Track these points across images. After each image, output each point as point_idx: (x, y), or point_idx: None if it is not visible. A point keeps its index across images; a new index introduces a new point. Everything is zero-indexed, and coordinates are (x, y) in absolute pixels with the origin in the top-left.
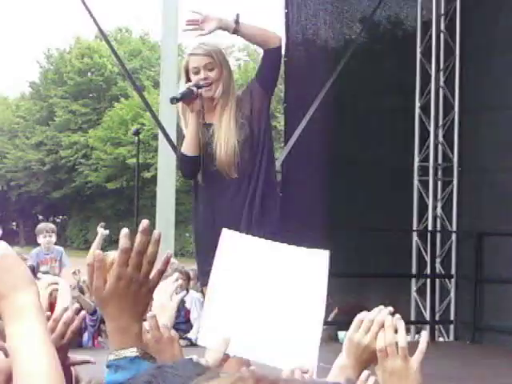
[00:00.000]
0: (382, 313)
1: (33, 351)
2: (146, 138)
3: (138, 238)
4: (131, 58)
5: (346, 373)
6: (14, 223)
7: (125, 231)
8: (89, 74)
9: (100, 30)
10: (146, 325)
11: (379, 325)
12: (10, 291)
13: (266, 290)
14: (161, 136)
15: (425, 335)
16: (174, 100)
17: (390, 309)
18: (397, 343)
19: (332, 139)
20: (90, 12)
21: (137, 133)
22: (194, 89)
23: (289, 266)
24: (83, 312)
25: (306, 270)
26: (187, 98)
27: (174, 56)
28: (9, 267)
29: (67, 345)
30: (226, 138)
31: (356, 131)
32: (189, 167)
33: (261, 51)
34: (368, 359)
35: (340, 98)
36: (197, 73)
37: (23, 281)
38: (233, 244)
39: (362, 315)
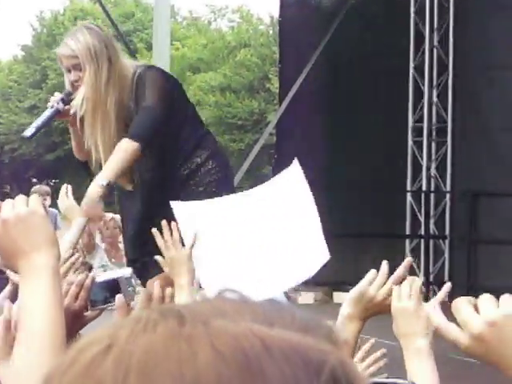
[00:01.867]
0: (398, 270)
1: (40, 310)
2: None
3: None
4: (125, 20)
5: (352, 322)
6: (7, 186)
7: None
8: None
9: None
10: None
11: (396, 280)
12: (31, 249)
13: (255, 228)
14: None
15: (447, 287)
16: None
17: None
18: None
19: (326, 100)
20: None
21: None
22: (60, 106)
23: (268, 195)
24: (91, 274)
25: (286, 188)
26: (45, 127)
27: (166, 18)
28: (34, 225)
29: (80, 310)
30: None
31: (350, 93)
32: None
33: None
34: (376, 311)
35: (334, 60)
36: (70, 72)
37: (46, 241)
38: (190, 211)
39: (374, 271)
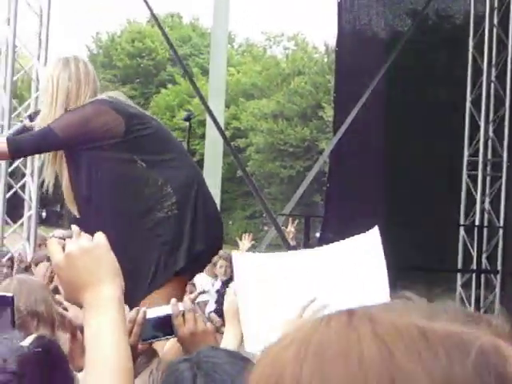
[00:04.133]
0: None
1: (109, 342)
2: (191, 124)
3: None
4: (181, 44)
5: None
6: (58, 205)
7: None
8: (138, 58)
9: (152, 14)
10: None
11: None
12: (97, 282)
13: (316, 287)
14: (209, 123)
15: None
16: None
17: None
18: None
19: (381, 131)
20: None
21: (188, 119)
22: (26, 122)
23: (337, 257)
24: (143, 309)
25: (359, 253)
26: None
27: (223, 43)
28: (99, 258)
29: (134, 346)
30: None
31: (406, 124)
32: None
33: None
34: None
35: (390, 90)
36: None
37: (110, 273)
38: (249, 263)
39: None
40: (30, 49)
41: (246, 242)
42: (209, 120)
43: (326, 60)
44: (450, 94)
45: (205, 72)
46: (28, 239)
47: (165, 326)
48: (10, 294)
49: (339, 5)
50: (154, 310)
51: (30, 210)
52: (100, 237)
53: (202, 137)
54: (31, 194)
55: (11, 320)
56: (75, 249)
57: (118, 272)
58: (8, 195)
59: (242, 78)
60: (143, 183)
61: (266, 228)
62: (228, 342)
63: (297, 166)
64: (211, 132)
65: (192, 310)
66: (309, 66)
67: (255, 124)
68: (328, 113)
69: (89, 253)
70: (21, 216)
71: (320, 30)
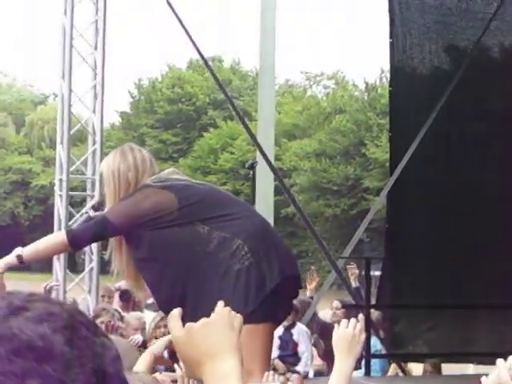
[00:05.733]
0: None
1: None
2: (235, 167)
3: None
4: None
5: None
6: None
7: None
8: (179, 103)
9: (200, 55)
10: None
11: None
12: (217, 356)
13: None
14: (259, 161)
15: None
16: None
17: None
18: None
19: (439, 168)
20: (190, 37)
21: (251, 167)
22: (91, 213)
23: None
24: None
25: None
26: None
27: (270, 84)
28: (219, 332)
29: None
30: None
31: (464, 160)
32: None
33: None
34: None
35: (446, 127)
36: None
37: (231, 347)
38: None
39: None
40: (86, 102)
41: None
42: (260, 157)
43: (366, 97)
44: (508, 128)
45: (245, 114)
46: (89, 292)
47: None
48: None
49: (391, 45)
50: None
51: (92, 263)
52: (220, 309)
53: (245, 178)
54: (92, 248)
55: None
56: (195, 324)
57: (238, 346)
58: None
59: (283, 119)
60: (212, 244)
61: (312, 267)
62: (334, 375)
63: (341, 205)
64: (262, 172)
65: None
66: (349, 103)
67: (298, 164)
68: (371, 150)
69: (209, 327)
70: (82, 269)
71: (359, 67)
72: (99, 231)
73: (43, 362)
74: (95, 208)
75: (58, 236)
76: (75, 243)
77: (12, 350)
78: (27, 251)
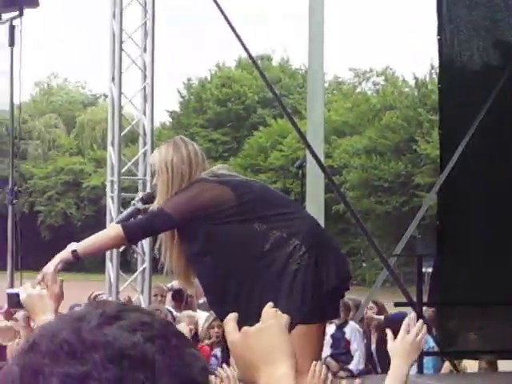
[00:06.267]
0: None
1: None
2: (285, 165)
3: None
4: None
5: None
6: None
7: None
8: (228, 103)
9: (248, 54)
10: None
11: None
12: (271, 361)
13: None
14: (308, 161)
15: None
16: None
17: None
18: None
19: (490, 165)
20: (238, 37)
21: (300, 166)
22: (139, 205)
23: None
24: None
25: None
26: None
27: (319, 82)
28: (274, 337)
29: None
30: None
31: None
32: None
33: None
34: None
35: (498, 123)
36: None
37: (285, 352)
38: None
39: None
40: (136, 103)
41: None
42: (308, 158)
43: (416, 93)
44: None
45: (294, 113)
46: (142, 292)
47: None
48: None
49: (439, 42)
50: None
51: (144, 264)
52: (273, 314)
53: (295, 176)
54: (144, 248)
55: None
56: (251, 328)
57: (292, 352)
58: (121, 249)
59: (332, 116)
60: (268, 243)
61: (364, 265)
62: (389, 380)
63: (393, 202)
64: (311, 170)
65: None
66: (399, 100)
67: (348, 161)
68: (422, 146)
69: (264, 332)
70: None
71: (409, 63)
72: (156, 224)
73: (136, 370)
74: (144, 200)
75: (113, 230)
76: (131, 237)
77: (106, 357)
78: (82, 246)
